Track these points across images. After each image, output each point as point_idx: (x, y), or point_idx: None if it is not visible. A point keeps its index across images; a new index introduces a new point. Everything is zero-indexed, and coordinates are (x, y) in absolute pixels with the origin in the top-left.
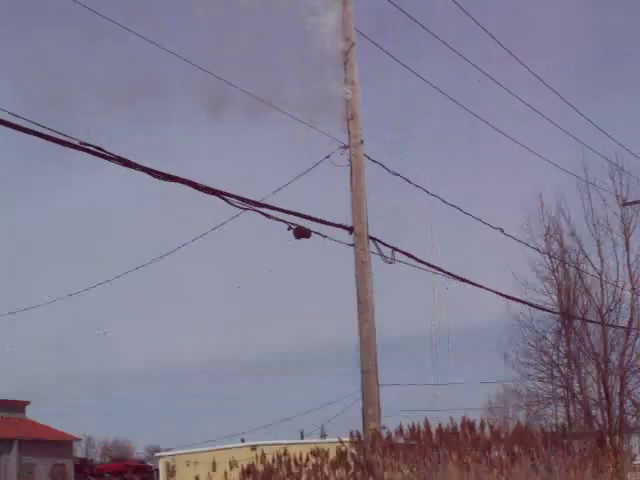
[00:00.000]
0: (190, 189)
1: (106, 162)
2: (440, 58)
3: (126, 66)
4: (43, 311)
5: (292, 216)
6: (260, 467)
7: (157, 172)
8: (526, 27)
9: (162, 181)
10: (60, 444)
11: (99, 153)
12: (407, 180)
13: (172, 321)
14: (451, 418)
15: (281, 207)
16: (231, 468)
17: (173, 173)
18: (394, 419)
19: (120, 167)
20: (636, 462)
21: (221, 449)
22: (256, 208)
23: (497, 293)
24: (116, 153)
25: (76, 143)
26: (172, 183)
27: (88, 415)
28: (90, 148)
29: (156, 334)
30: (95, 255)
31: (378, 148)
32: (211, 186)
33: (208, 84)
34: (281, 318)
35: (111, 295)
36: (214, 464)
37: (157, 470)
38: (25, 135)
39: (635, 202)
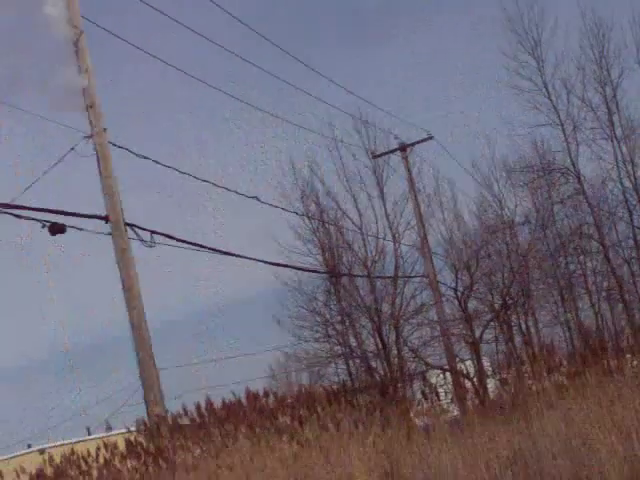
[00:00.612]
0: None
1: None
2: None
3: None
4: None
5: (44, 213)
6: (49, 470)
7: None
8: None
9: None
10: None
11: None
12: (156, 162)
13: None
14: (233, 392)
15: (31, 206)
16: (18, 476)
17: None
18: (181, 400)
19: None
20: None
21: (8, 457)
22: (5, 210)
23: (262, 261)
24: None
25: None
26: None
27: None
28: None
29: None
30: None
31: (130, 133)
32: None
33: None
34: (50, 318)
35: None
36: (1, 474)
37: None
38: None
39: (384, 153)
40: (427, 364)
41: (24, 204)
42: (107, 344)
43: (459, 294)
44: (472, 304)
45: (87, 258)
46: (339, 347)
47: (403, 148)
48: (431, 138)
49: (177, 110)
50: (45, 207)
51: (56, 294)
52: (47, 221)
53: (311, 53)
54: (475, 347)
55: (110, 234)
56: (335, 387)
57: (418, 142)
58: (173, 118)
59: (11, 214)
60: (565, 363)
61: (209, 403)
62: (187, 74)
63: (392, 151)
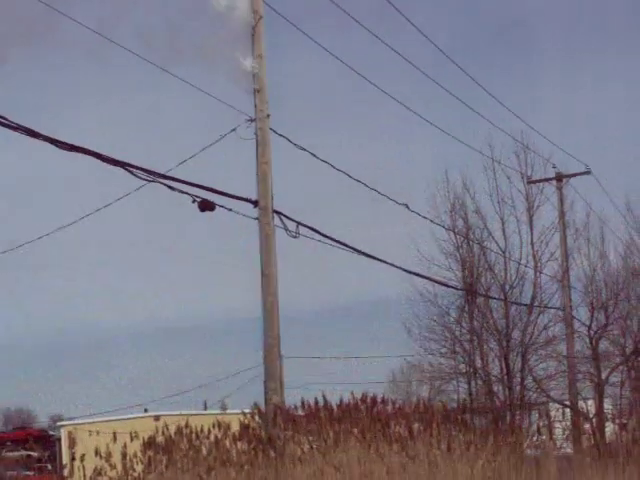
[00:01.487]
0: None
1: (10, 132)
2: (346, 29)
3: None
4: None
5: (197, 189)
6: (161, 439)
7: (62, 142)
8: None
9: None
10: None
11: (3, 122)
12: (313, 155)
13: (75, 290)
14: (352, 393)
15: (186, 179)
16: (132, 439)
17: (78, 144)
18: (299, 391)
19: (24, 137)
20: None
21: (124, 419)
22: (161, 180)
23: (401, 269)
24: (20, 122)
25: None
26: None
27: None
28: None
29: (58, 301)
30: None
31: (286, 122)
32: (116, 157)
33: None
34: (186, 290)
35: (14, 263)
36: (115, 435)
37: (59, 439)
38: None
39: (539, 180)
40: (548, 397)
41: (179, 177)
42: (236, 322)
43: (592, 332)
44: (603, 344)
45: (230, 237)
46: (464, 365)
47: (559, 178)
48: (588, 172)
49: (338, 105)
50: (199, 183)
51: (200, 266)
52: (198, 197)
53: (476, 66)
54: (599, 388)
55: (257, 219)
56: (453, 405)
57: (575, 175)
58: (334, 114)
59: (165, 184)
60: None
61: (326, 400)
62: (347, 66)
63: (548, 179)
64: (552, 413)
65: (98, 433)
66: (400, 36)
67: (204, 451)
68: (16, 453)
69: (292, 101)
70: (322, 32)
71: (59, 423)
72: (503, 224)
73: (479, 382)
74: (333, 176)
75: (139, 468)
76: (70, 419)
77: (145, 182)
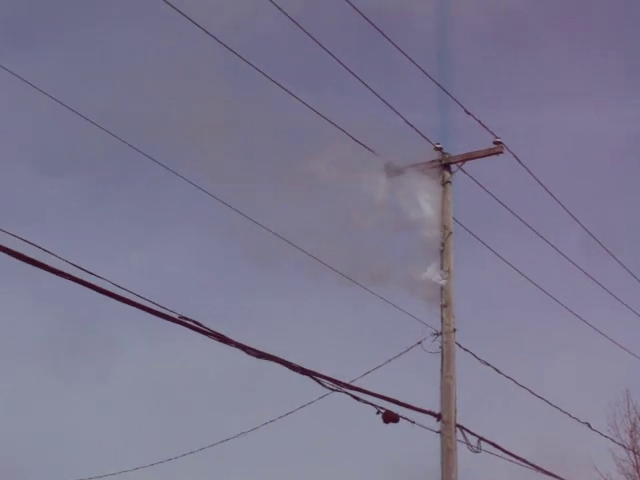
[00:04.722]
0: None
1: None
2: (531, 242)
3: None
4: None
5: (381, 400)
6: None
7: (251, 349)
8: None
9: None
10: None
11: (197, 328)
12: (497, 370)
13: None
14: None
15: (371, 390)
16: None
17: (267, 351)
18: None
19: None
20: None
21: None
22: (346, 390)
23: None
24: (213, 328)
25: (175, 317)
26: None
27: None
28: (189, 322)
29: None
30: (176, 429)
31: (469, 335)
32: (304, 366)
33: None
34: None
35: (192, 469)
36: None
37: None
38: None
39: None
40: None
41: (363, 387)
42: None
43: None
44: None
45: (410, 449)
46: None
47: None
48: None
49: (520, 318)
50: (383, 394)
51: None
52: (382, 408)
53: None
54: None
55: (439, 432)
56: None
57: None
58: (517, 328)
59: (350, 395)
60: None
61: None
62: (528, 279)
63: None
64: None
65: None
66: (578, 247)
67: None
68: None
69: (476, 314)
70: (508, 239)
71: None
72: None
73: None
74: (516, 391)
75: None
76: None
77: (330, 391)
